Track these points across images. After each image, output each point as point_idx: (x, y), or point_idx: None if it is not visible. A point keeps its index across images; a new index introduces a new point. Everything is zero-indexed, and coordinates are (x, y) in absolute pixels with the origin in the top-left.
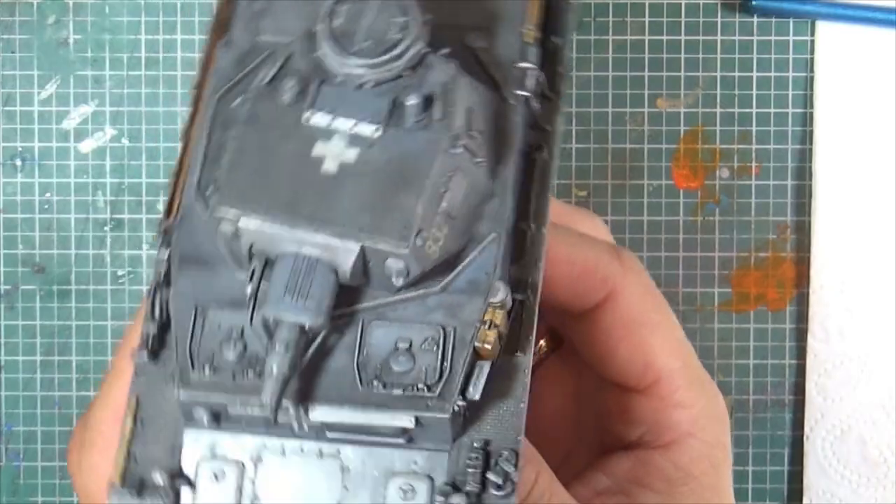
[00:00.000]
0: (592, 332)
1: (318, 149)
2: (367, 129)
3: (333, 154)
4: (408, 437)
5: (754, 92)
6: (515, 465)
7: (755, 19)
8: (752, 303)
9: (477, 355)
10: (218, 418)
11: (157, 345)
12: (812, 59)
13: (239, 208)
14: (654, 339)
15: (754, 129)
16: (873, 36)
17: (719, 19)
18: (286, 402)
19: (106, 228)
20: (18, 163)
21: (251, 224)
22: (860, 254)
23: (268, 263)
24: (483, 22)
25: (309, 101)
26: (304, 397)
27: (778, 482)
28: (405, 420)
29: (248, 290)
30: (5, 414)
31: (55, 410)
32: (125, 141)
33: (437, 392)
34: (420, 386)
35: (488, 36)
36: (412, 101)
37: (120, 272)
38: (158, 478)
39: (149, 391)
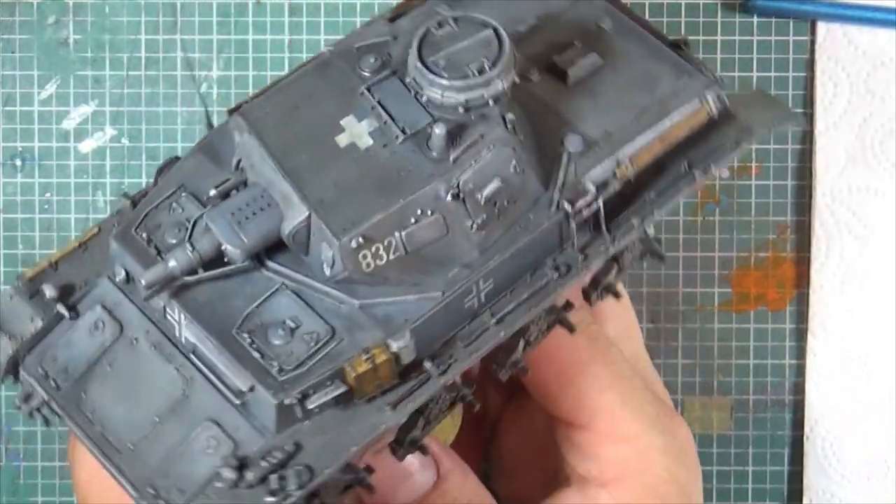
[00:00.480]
0: (527, 375)
1: (346, 121)
2: (393, 132)
3: (353, 133)
4: (242, 403)
5: None
6: (300, 487)
7: (755, 19)
8: (752, 303)
9: (343, 377)
10: (129, 284)
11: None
12: (812, 59)
13: (249, 125)
14: (582, 379)
15: None
16: (873, 36)
17: (719, 19)
18: (170, 303)
19: None
20: (18, 163)
21: (249, 143)
22: (860, 254)
23: (245, 184)
24: (593, 132)
25: (371, 81)
26: (186, 306)
27: (778, 482)
28: (244, 380)
29: (212, 192)
30: (5, 414)
31: None
32: (125, 141)
33: (284, 378)
34: (275, 363)
35: (588, 145)
36: (437, 129)
37: None
38: (49, 291)
39: (110, 232)
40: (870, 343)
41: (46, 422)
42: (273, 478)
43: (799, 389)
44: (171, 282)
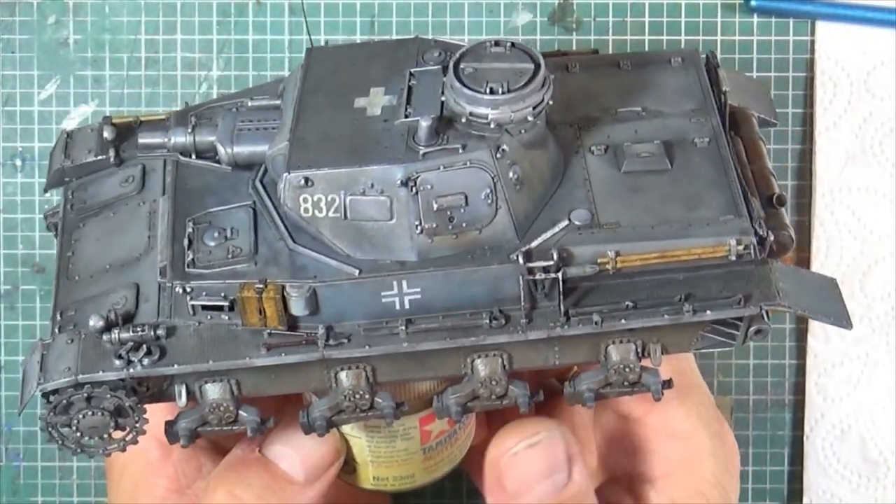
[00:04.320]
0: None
1: (375, 90)
2: (401, 112)
3: (371, 101)
4: (163, 282)
5: None
6: (146, 365)
7: (755, 19)
8: None
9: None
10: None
11: None
12: (812, 59)
13: (305, 62)
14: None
15: None
16: (873, 36)
17: (719, 19)
18: (168, 170)
19: None
20: (18, 163)
21: (295, 75)
22: (860, 254)
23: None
24: (605, 218)
25: (420, 67)
26: (175, 180)
27: (778, 482)
28: (163, 257)
29: (250, 103)
30: (5, 414)
31: None
32: None
33: (189, 271)
34: (192, 256)
35: (591, 225)
36: (423, 122)
37: None
38: (108, 133)
39: None
40: (870, 343)
41: (56, 236)
42: (128, 344)
43: (799, 389)
44: (160, 149)
